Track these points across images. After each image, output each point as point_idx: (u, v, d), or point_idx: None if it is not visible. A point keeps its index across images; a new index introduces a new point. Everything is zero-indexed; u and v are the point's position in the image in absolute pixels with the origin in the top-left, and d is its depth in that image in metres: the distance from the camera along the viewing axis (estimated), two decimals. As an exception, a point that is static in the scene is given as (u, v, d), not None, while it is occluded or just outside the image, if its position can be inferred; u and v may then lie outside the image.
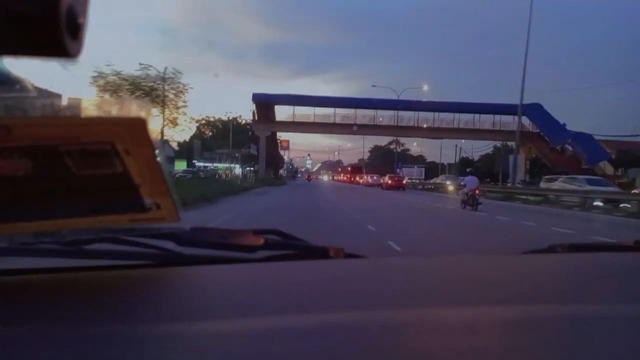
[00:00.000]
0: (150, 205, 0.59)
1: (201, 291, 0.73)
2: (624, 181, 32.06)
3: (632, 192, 19.76)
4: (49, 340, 0.47)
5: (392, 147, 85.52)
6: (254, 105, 45.24)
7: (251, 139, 47.69)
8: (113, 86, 26.10)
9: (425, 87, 71.35)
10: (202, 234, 0.95)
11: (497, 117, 44.78)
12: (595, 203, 17.68)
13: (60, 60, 0.35)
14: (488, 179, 42.81)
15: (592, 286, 0.79)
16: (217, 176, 40.18)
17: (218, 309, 0.61)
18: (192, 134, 47.00)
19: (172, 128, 28.92)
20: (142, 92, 26.60)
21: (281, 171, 75.84)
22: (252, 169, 48.49)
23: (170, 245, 0.91)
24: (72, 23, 0.35)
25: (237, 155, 41.21)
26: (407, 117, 46.65)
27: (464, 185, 16.56)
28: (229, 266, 0.90)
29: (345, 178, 73.08)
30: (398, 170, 48.77)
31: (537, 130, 42.60)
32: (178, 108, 28.79)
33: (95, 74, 25.73)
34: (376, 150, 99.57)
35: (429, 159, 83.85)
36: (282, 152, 72.17)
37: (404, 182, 38.13)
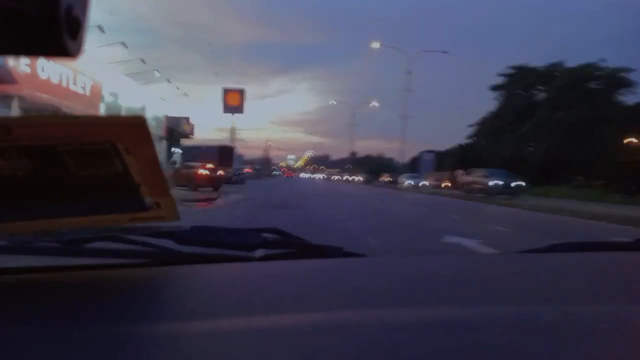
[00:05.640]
0: (150, 204, 0.59)
1: (200, 290, 0.73)
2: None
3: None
4: (48, 340, 0.47)
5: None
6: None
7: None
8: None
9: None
10: (201, 233, 0.96)
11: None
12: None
13: (60, 60, 0.35)
14: None
15: (592, 286, 0.79)
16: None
17: (217, 308, 0.61)
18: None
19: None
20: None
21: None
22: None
23: (169, 244, 0.91)
24: (71, 23, 0.35)
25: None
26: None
27: None
28: (228, 265, 0.90)
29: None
30: None
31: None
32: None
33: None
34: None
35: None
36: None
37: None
